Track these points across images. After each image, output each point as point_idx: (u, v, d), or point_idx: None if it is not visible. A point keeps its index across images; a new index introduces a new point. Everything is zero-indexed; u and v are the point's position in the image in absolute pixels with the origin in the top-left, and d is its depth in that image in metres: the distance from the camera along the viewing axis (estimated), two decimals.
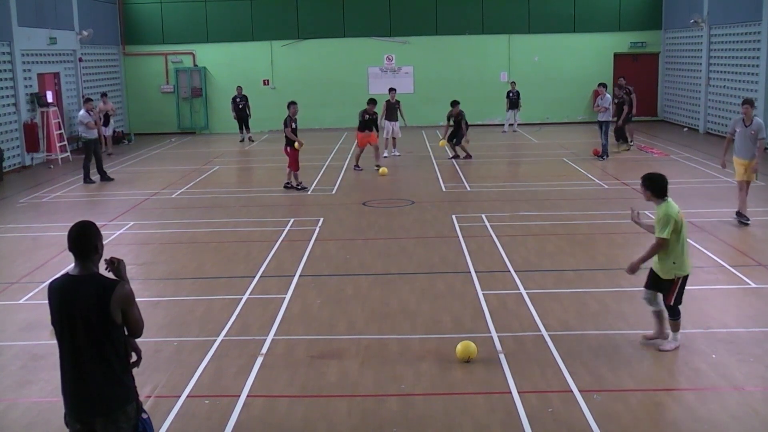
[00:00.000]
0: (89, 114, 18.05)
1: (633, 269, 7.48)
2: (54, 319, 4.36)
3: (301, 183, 16.68)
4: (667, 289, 7.40)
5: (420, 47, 28.93)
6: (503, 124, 27.34)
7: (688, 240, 7.67)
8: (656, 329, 7.63)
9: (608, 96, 20.08)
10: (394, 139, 21.46)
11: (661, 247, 7.29)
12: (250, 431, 6.19)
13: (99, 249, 4.38)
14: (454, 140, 20.30)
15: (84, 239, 4.33)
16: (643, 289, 7.68)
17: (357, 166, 18.96)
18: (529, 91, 27.63)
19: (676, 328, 7.50)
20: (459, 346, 7.35)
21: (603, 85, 20.40)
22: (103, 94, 24.21)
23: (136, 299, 4.50)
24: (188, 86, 29.14)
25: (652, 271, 7.53)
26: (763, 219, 13.10)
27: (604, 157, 19.66)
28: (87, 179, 18.09)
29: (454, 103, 20.15)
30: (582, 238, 11.98)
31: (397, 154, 21.53)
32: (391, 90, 21.88)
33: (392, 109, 21.15)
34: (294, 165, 16.50)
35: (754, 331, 7.97)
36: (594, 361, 7.25)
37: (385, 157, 20.71)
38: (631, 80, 23.88)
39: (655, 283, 7.51)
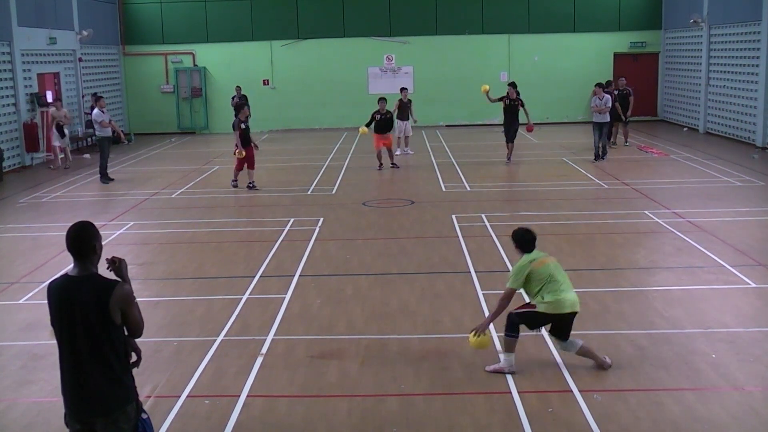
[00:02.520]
0: (102, 112, 18.09)
1: (481, 330, 6.99)
2: (53, 319, 4.36)
3: (253, 182, 16.66)
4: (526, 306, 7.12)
5: (420, 47, 28.93)
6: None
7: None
8: (594, 361, 7.10)
9: (608, 96, 19.41)
10: (407, 137, 21.77)
11: (507, 296, 7.03)
12: (250, 431, 6.19)
13: (97, 249, 4.38)
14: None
15: (82, 240, 4.33)
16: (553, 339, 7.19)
17: (381, 166, 18.92)
18: (528, 91, 27.49)
19: (507, 348, 6.99)
20: (477, 342, 7.01)
21: (600, 85, 19.91)
22: (56, 100, 21.87)
23: (136, 299, 4.50)
24: (188, 86, 29.14)
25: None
26: (763, 219, 13.11)
27: (605, 158, 19.46)
28: (104, 177, 18.13)
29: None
30: (582, 238, 11.98)
31: (410, 152, 21.67)
32: (403, 89, 22.11)
33: (404, 109, 21.41)
34: (240, 165, 16.51)
35: (754, 331, 7.98)
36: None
37: (397, 154, 21.03)
38: (631, 80, 23.92)
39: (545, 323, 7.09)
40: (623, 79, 22.69)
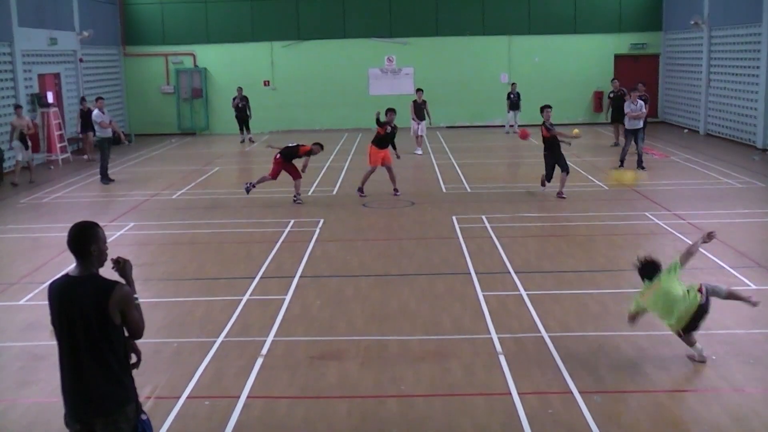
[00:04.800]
0: (102, 113, 18.09)
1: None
2: (53, 319, 4.37)
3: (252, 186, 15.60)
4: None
5: (420, 48, 28.94)
6: (504, 125, 27.35)
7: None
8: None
9: (641, 102, 18.29)
10: (420, 137, 22.02)
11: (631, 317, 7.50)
12: None
13: (94, 251, 4.35)
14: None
15: (80, 241, 4.32)
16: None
17: (360, 190, 15.91)
18: (529, 92, 27.60)
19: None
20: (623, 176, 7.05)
21: (635, 89, 18.83)
22: (17, 107, 18.87)
23: (138, 300, 4.50)
24: (189, 87, 29.15)
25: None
26: (763, 220, 13.11)
27: (643, 166, 17.96)
28: (105, 178, 18.13)
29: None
30: (582, 239, 11.98)
31: (419, 152, 21.84)
32: (419, 90, 22.47)
33: (419, 109, 21.77)
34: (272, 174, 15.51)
35: (754, 333, 7.97)
36: (594, 363, 7.25)
37: (417, 153, 21.47)
38: (631, 81, 23.91)
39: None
40: (616, 81, 22.84)
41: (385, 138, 15.90)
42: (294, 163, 15.31)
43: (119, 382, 4.36)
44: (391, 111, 15.98)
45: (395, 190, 15.92)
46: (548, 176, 15.36)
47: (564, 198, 14.97)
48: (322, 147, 15.41)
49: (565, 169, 15.06)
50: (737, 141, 22.67)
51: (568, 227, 12.77)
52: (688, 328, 7.20)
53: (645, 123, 20.66)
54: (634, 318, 7.50)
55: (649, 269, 7.43)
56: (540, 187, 15.67)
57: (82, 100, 22.95)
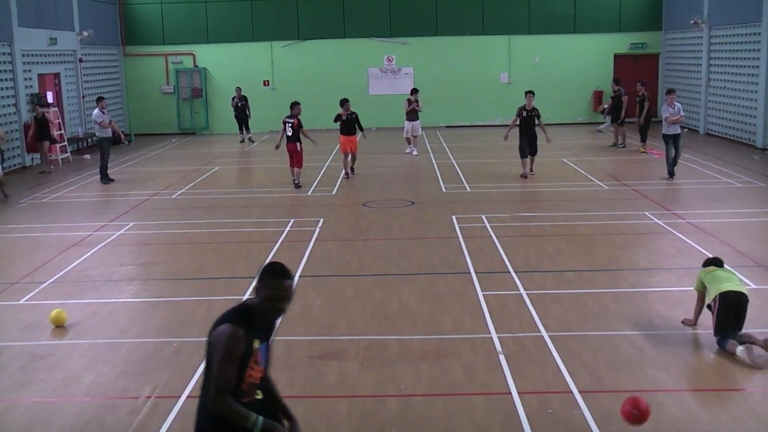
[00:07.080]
0: (102, 113, 18.09)
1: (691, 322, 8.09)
2: None
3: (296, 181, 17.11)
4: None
5: (420, 48, 28.94)
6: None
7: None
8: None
9: (679, 105, 16.64)
10: (415, 137, 22.11)
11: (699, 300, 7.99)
12: None
13: (260, 292, 3.98)
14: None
15: (258, 275, 4.05)
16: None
17: (347, 174, 18.20)
18: None
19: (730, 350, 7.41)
20: None
21: (671, 91, 17.27)
22: None
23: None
24: (188, 87, 29.15)
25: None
26: (763, 220, 13.12)
27: (673, 176, 16.73)
28: (104, 178, 18.14)
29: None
30: (582, 239, 11.98)
31: (415, 152, 21.85)
32: (414, 91, 22.65)
33: (413, 109, 21.93)
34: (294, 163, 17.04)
35: (754, 332, 7.95)
36: (594, 362, 7.26)
37: (406, 153, 21.98)
38: (632, 81, 23.94)
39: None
40: (613, 83, 22.95)
41: (346, 125, 18.14)
42: (298, 146, 16.72)
43: (202, 421, 4.04)
44: (345, 101, 18.41)
45: (351, 169, 18.20)
46: (525, 152, 17.53)
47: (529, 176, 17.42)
48: (297, 103, 17.29)
49: (534, 152, 17.74)
50: (737, 141, 22.67)
51: (567, 227, 12.77)
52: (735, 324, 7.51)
53: (646, 124, 20.71)
54: (700, 305, 7.94)
55: (718, 261, 8.21)
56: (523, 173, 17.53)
57: (36, 106, 20.54)
